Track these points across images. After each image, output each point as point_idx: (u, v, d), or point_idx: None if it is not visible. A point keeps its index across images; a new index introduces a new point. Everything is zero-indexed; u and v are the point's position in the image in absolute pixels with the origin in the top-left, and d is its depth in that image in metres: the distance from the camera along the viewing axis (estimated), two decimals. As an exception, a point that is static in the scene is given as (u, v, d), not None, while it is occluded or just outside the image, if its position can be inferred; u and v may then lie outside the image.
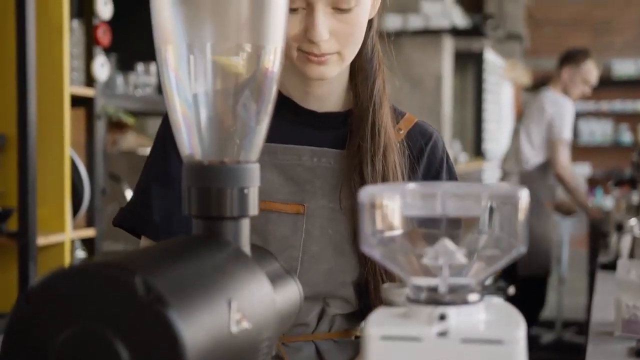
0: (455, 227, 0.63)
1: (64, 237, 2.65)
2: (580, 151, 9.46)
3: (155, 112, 3.55)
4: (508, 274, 3.95)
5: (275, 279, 0.69)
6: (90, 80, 2.81)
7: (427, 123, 1.29)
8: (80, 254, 2.97)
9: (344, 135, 1.21)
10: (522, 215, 0.61)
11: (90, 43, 2.80)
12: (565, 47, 5.52)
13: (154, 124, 4.12)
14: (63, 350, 0.53)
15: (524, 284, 4.17)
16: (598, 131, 9.67)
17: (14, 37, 2.46)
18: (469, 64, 7.01)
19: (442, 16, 5.52)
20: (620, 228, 2.98)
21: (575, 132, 9.65)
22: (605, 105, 9.57)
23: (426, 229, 0.64)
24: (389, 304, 0.66)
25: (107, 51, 2.97)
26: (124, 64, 3.25)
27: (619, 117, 9.64)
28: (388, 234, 0.63)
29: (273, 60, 0.68)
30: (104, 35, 2.82)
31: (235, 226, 0.67)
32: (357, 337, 1.25)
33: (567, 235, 5.45)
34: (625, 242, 2.56)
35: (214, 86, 0.67)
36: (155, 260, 0.58)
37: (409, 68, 5.43)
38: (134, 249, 0.62)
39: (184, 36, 0.67)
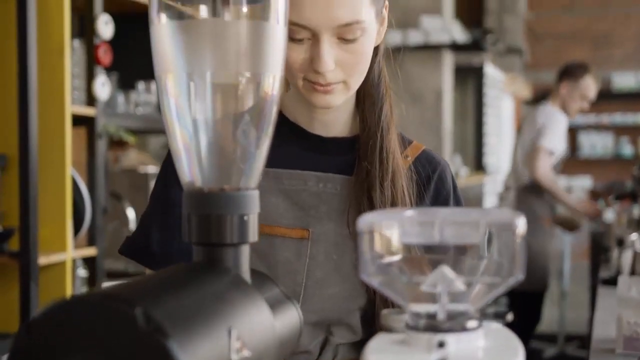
0: (453, 253, 0.63)
1: (65, 257, 2.65)
2: (581, 164, 9.48)
3: (156, 130, 3.56)
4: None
5: (275, 305, 0.69)
6: (91, 100, 2.82)
7: (435, 152, 1.28)
8: (82, 272, 2.98)
9: (350, 160, 1.21)
10: (519, 242, 0.61)
11: (91, 62, 2.82)
12: (565, 60, 5.54)
13: (155, 142, 4.13)
14: (64, 382, 0.53)
15: (520, 299, 4.16)
16: (599, 144, 9.69)
17: (15, 57, 2.48)
18: (469, 78, 7.03)
19: (442, 31, 5.54)
20: (621, 243, 2.97)
21: (576, 145, 9.71)
22: (605, 118, 9.59)
23: (425, 255, 0.65)
24: (388, 330, 0.66)
25: (108, 70, 2.98)
26: (125, 83, 3.26)
27: (619, 130, 9.66)
28: (386, 261, 0.63)
29: (272, 87, 0.69)
30: (105, 55, 2.83)
31: (235, 253, 0.67)
32: None
33: (569, 248, 5.44)
34: (626, 258, 2.55)
35: (214, 114, 0.68)
36: (155, 290, 0.58)
37: (409, 83, 5.45)
38: (135, 278, 0.62)
39: (184, 65, 0.67)
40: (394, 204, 1.17)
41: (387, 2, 1.19)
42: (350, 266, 1.16)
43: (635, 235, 2.67)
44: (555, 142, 4.27)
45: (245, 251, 0.68)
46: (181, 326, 0.54)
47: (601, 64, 9.23)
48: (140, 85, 3.32)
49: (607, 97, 9.10)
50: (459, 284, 0.61)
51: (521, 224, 0.60)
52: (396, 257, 0.64)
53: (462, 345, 0.60)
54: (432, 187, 1.24)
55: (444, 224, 0.61)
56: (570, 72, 4.40)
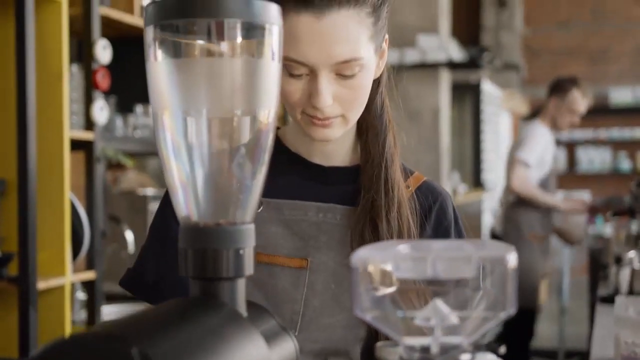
0: (447, 287, 0.64)
1: (64, 281, 2.65)
2: (579, 179, 9.49)
3: (154, 152, 3.57)
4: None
5: (270, 337, 0.70)
6: (89, 124, 2.83)
7: (436, 182, 1.29)
8: (81, 295, 2.98)
9: (351, 191, 1.21)
10: (511, 276, 0.62)
11: (90, 87, 2.83)
12: (562, 75, 5.55)
13: (154, 162, 4.15)
14: (63, 421, 0.54)
15: (512, 317, 4.14)
16: (597, 159, 9.70)
17: (14, 82, 2.49)
18: (467, 95, 7.05)
19: (439, 50, 5.56)
20: (619, 260, 2.97)
21: (574, 160, 9.72)
22: (603, 133, 9.61)
23: (418, 288, 0.66)
24: (383, 362, 0.67)
25: (106, 94, 3.00)
26: (123, 106, 3.27)
27: (617, 145, 9.67)
28: (380, 294, 0.64)
29: (267, 121, 0.70)
30: (103, 80, 2.84)
31: (231, 287, 0.68)
32: None
33: (568, 264, 5.44)
34: (624, 275, 2.56)
35: (210, 149, 0.69)
36: (151, 328, 0.59)
37: (407, 102, 5.45)
38: (133, 313, 0.63)
39: (180, 103, 0.68)
40: (400, 234, 1.17)
41: (387, 36, 1.19)
42: (349, 296, 1.16)
43: (633, 253, 2.67)
44: (531, 154, 4.23)
45: (241, 285, 0.69)
46: (178, 364, 0.55)
47: (598, 79, 9.27)
48: (139, 108, 3.33)
49: (605, 112, 9.13)
50: (453, 318, 0.62)
51: (512, 258, 0.61)
52: (390, 290, 0.65)
53: (455, 379, 0.61)
54: (434, 217, 1.24)
55: (437, 259, 0.62)
56: (558, 87, 4.39)
